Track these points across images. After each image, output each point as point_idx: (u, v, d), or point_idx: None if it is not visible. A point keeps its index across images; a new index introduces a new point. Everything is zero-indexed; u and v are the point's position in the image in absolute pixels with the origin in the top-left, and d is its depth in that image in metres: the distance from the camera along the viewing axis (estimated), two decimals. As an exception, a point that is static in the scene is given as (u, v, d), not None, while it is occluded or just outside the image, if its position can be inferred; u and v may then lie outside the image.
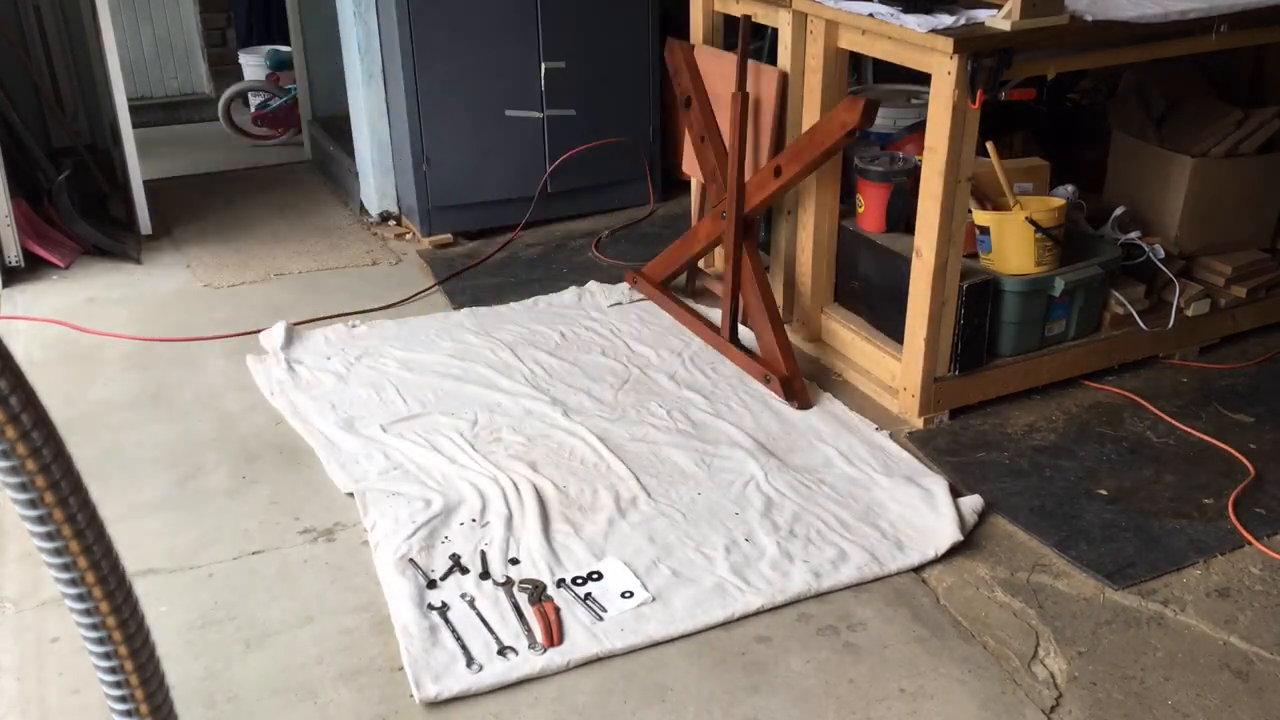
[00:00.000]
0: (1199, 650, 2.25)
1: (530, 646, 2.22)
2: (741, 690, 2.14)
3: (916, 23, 2.69)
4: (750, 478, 2.79)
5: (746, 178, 3.29)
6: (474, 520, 2.61)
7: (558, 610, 2.32)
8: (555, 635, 2.25)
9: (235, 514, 2.70)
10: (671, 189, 4.72)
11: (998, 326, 3.10)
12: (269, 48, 6.13)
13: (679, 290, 3.86)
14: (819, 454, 2.90)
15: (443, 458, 2.86)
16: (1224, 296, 3.41)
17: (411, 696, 2.11)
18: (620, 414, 3.09)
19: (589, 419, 3.05)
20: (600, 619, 2.30)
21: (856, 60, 3.82)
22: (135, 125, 4.41)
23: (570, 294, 3.88)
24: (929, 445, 2.97)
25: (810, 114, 3.19)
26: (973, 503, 2.68)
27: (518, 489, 2.73)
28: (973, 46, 2.64)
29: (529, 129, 4.34)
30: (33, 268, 4.09)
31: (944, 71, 2.70)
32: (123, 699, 0.78)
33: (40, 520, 0.69)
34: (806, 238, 3.38)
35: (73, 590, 0.72)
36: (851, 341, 3.26)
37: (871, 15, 2.84)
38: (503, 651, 2.21)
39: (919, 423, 3.04)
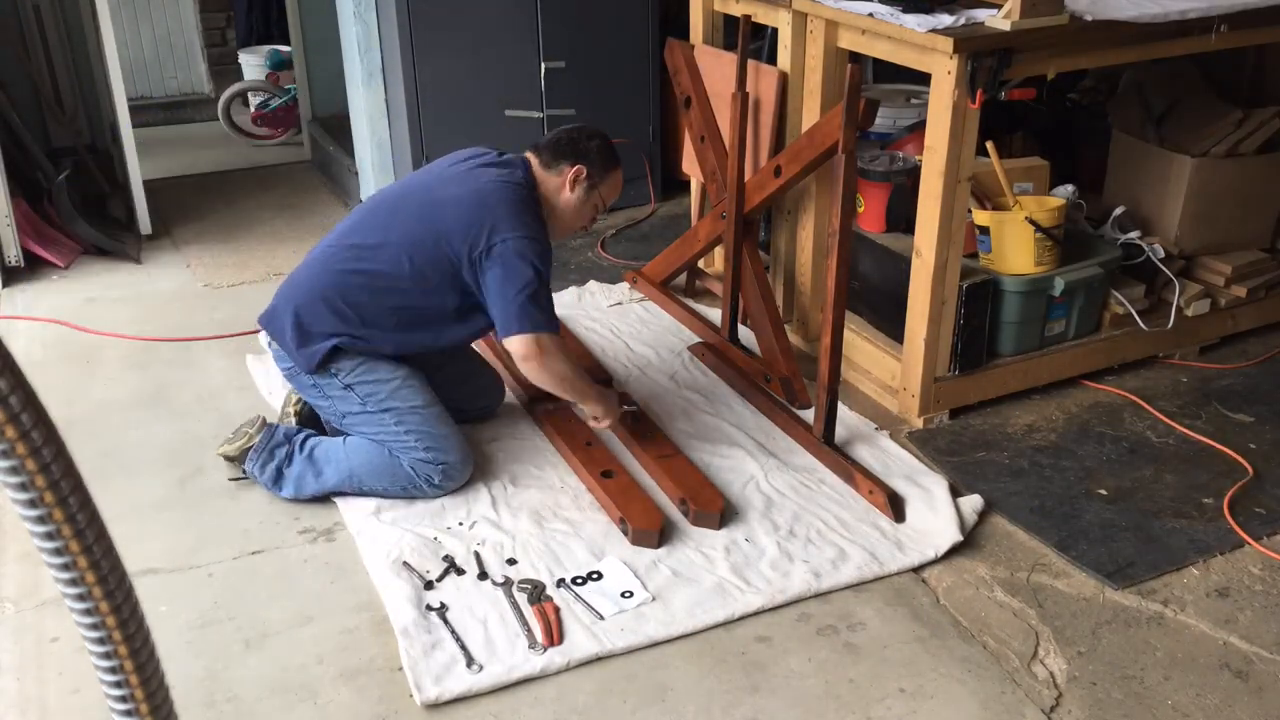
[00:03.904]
0: (1199, 650, 2.25)
1: (530, 646, 2.22)
2: (741, 690, 2.14)
3: (916, 22, 2.69)
4: (750, 478, 2.79)
5: (746, 178, 3.29)
6: (460, 524, 2.61)
7: (557, 610, 2.32)
8: (555, 635, 2.25)
9: (235, 514, 2.70)
10: (671, 189, 4.72)
11: (998, 326, 3.10)
12: (269, 48, 6.14)
13: (679, 290, 3.86)
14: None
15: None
16: (1224, 296, 3.41)
17: (411, 697, 2.11)
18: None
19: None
20: (600, 619, 2.30)
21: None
22: (135, 125, 4.41)
23: (570, 294, 3.88)
24: (929, 445, 2.97)
25: (810, 114, 3.19)
26: (972, 502, 2.68)
27: (505, 489, 2.74)
28: (972, 46, 2.64)
29: (529, 129, 4.34)
30: (33, 268, 4.10)
31: (944, 71, 2.70)
32: (123, 699, 0.78)
33: (40, 520, 0.69)
34: (806, 238, 3.38)
35: (73, 590, 0.72)
36: (851, 341, 3.26)
37: (871, 15, 2.84)
38: (503, 652, 2.21)
39: (919, 423, 3.04)
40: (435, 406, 2.72)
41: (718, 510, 2.59)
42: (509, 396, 3.15)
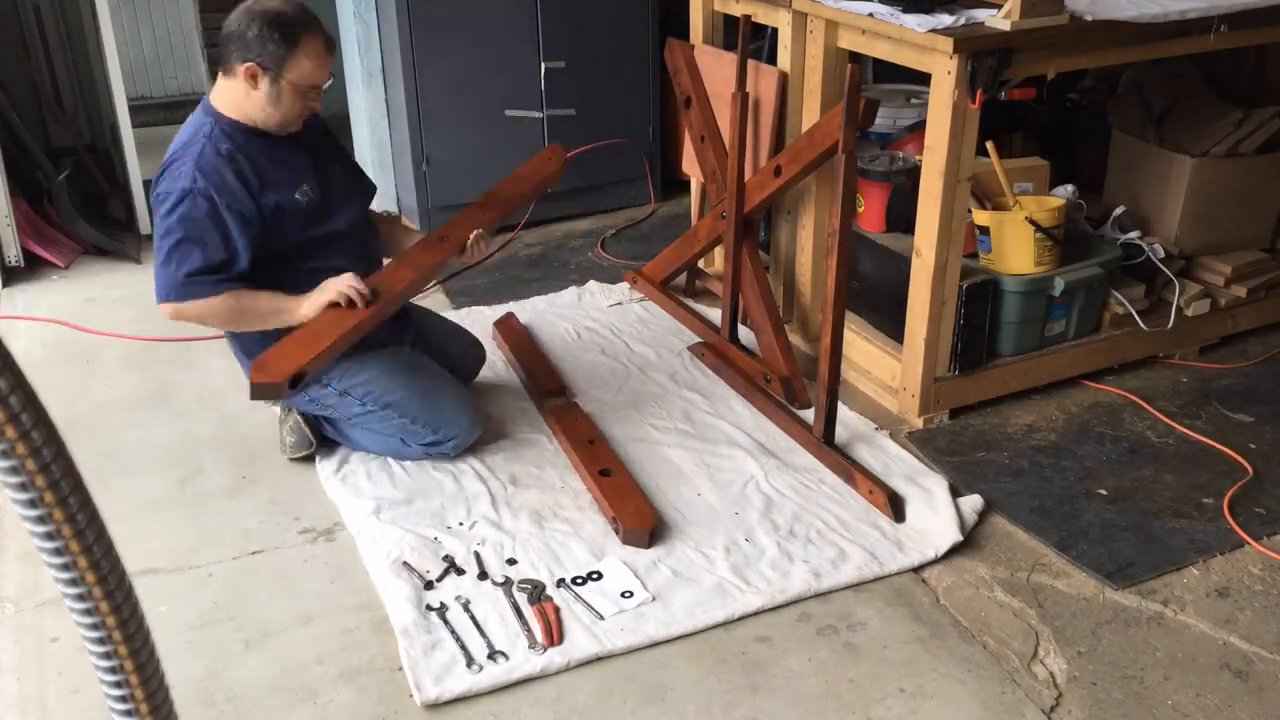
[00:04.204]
0: (1199, 650, 2.25)
1: (530, 646, 2.22)
2: (741, 690, 2.14)
3: (916, 22, 2.69)
4: (750, 478, 2.79)
5: (746, 178, 3.29)
6: (461, 524, 2.61)
7: (557, 610, 2.32)
8: (555, 635, 2.25)
9: (235, 514, 2.70)
10: (671, 189, 4.71)
11: (998, 326, 3.10)
12: (269, 48, 6.13)
13: (679, 290, 3.86)
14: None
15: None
16: (1224, 296, 3.41)
17: (411, 697, 2.11)
18: (620, 414, 3.09)
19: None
20: (600, 619, 2.30)
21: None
22: (135, 125, 4.40)
23: (570, 294, 3.88)
24: (929, 445, 2.97)
25: (810, 114, 3.19)
26: (972, 502, 2.68)
27: (505, 488, 2.74)
28: (972, 46, 2.64)
29: (529, 129, 4.34)
30: (33, 268, 4.09)
31: (944, 71, 2.70)
32: (123, 699, 0.78)
33: (40, 520, 0.69)
34: (806, 238, 3.38)
35: (73, 590, 0.72)
36: (851, 341, 3.26)
37: (871, 15, 2.84)
38: (502, 652, 2.21)
39: (919, 423, 3.04)
40: (433, 380, 2.80)
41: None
42: (507, 393, 3.16)
